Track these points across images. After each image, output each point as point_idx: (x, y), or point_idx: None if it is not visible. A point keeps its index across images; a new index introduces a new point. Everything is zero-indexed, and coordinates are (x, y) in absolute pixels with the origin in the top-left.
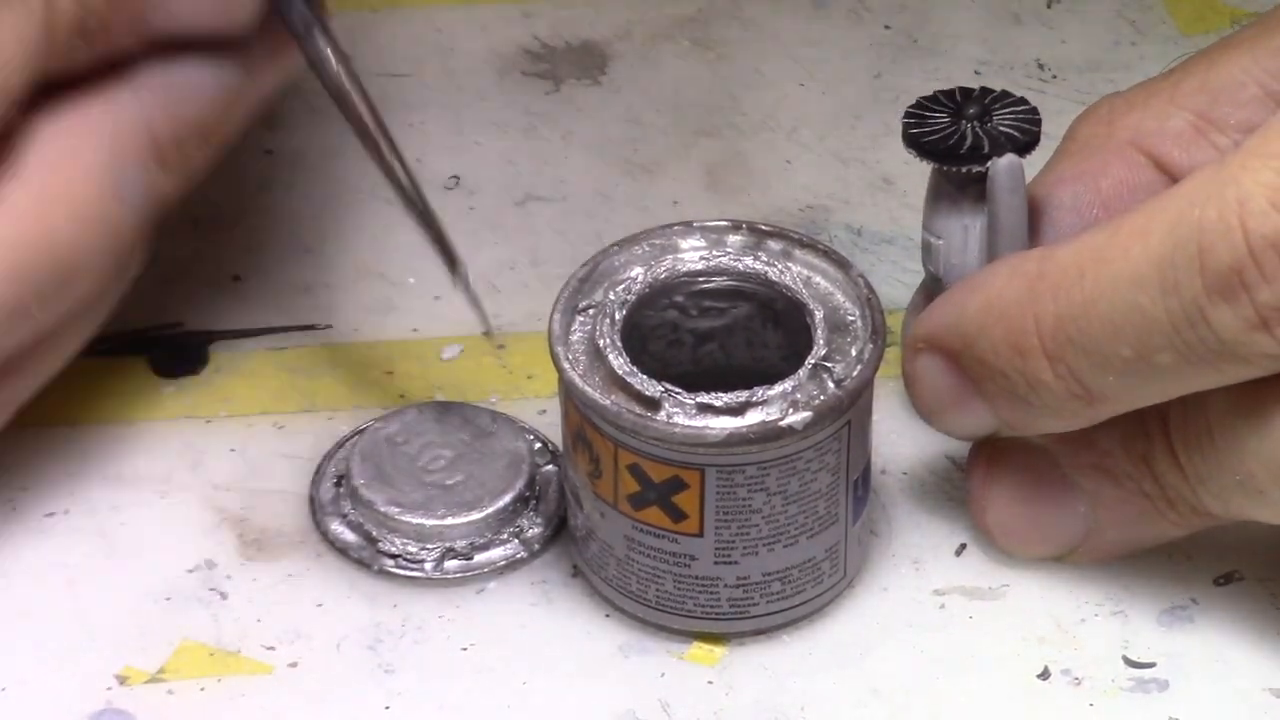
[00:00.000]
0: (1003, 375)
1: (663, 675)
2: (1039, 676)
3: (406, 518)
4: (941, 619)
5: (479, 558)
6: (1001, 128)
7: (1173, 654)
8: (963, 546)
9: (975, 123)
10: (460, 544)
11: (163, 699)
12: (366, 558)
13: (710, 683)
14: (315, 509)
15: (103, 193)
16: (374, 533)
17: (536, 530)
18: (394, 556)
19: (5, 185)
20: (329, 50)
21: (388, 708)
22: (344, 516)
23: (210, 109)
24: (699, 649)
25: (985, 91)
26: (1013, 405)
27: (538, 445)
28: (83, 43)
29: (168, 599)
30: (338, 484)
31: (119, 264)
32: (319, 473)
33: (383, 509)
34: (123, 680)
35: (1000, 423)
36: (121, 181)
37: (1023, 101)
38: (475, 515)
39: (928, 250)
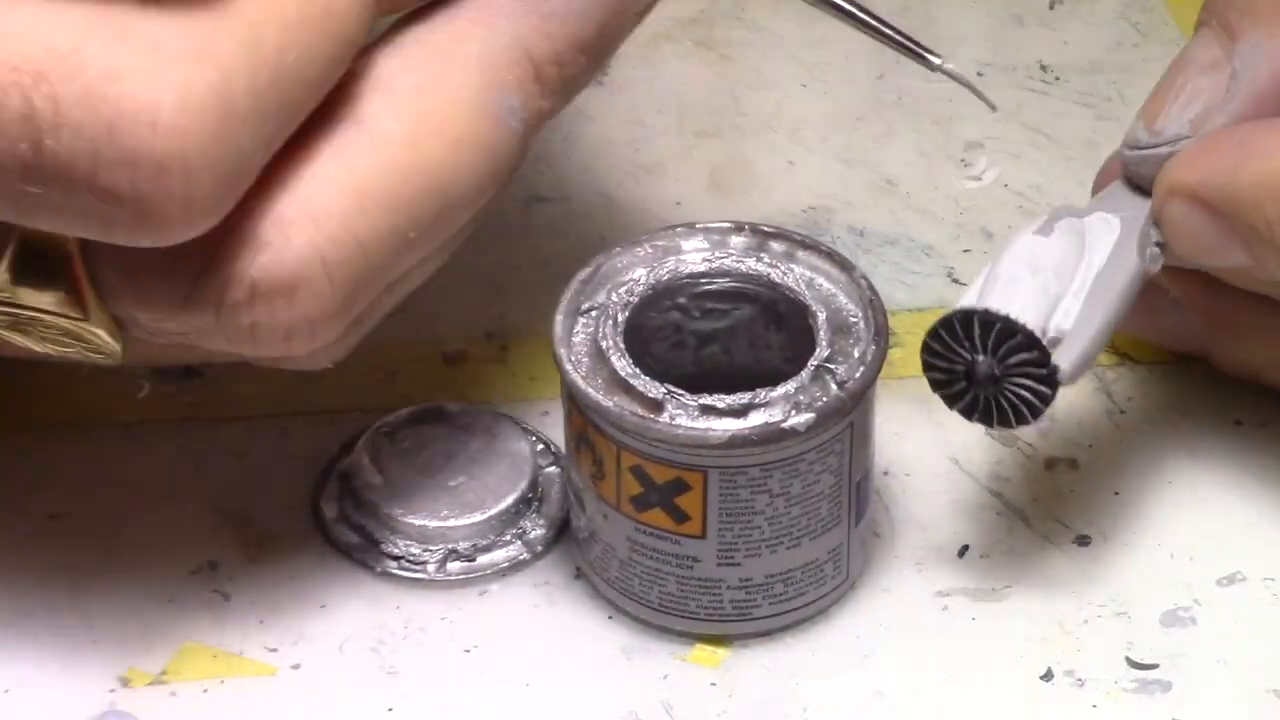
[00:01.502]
0: (1274, 245)
1: (665, 677)
2: (1042, 678)
3: (409, 519)
4: (944, 620)
5: (481, 559)
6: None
7: (1176, 655)
8: (965, 548)
9: (989, 388)
10: (463, 545)
11: (165, 701)
12: (369, 559)
13: (713, 685)
14: (318, 511)
15: (478, 117)
16: (376, 534)
17: (539, 532)
18: (396, 558)
19: (369, 119)
20: None
21: (390, 709)
22: (346, 518)
23: (590, 24)
24: (701, 651)
25: (991, 338)
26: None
27: (540, 447)
28: None
29: (170, 601)
30: (341, 486)
31: (497, 184)
32: (322, 474)
33: (385, 511)
34: (125, 682)
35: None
36: (498, 106)
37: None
38: (478, 517)
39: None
